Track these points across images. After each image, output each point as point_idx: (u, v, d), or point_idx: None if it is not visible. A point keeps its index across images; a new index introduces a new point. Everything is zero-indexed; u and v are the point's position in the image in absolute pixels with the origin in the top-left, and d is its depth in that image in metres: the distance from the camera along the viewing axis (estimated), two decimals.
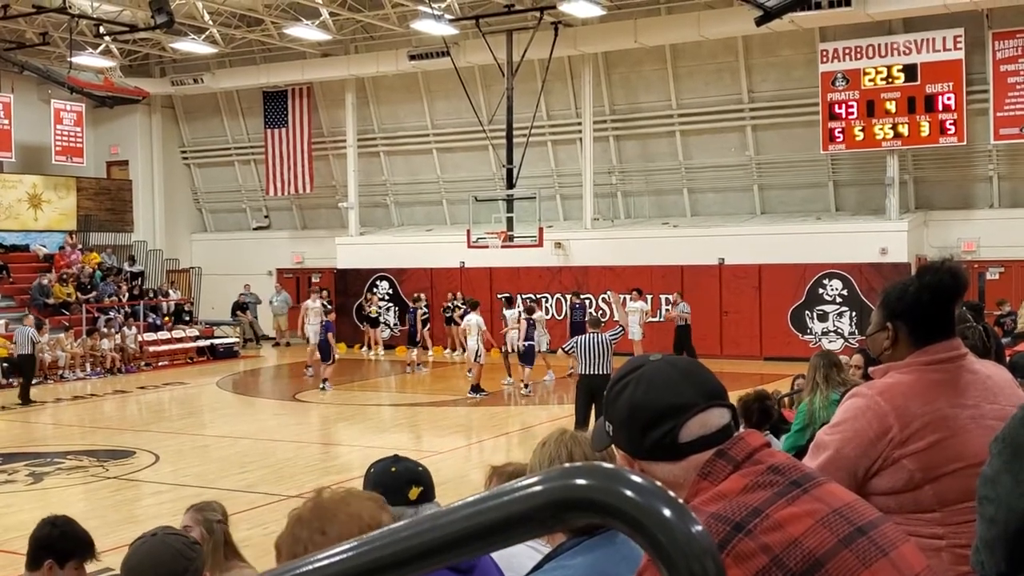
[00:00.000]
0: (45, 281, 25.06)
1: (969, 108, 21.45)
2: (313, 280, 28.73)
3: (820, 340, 21.85)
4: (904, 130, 21.78)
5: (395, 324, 27.02)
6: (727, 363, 20.92)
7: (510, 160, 23.57)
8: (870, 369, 2.91)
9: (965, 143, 21.54)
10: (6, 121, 26.62)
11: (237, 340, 27.54)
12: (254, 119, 29.65)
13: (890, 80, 21.84)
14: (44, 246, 27.37)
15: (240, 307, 28.79)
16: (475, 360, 18.86)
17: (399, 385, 22.31)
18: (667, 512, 1.05)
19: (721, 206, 24.90)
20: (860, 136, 22.18)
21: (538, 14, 21.95)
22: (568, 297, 24.10)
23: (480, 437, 15.76)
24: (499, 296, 23.69)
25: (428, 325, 25.09)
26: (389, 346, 26.41)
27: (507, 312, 21.19)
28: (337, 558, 1.22)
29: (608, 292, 20.24)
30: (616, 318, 16.62)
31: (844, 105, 22.25)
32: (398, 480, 2.98)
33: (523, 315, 19.98)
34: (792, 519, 1.62)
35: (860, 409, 2.68)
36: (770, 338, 22.80)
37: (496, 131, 23.99)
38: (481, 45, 23.01)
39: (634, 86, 25.08)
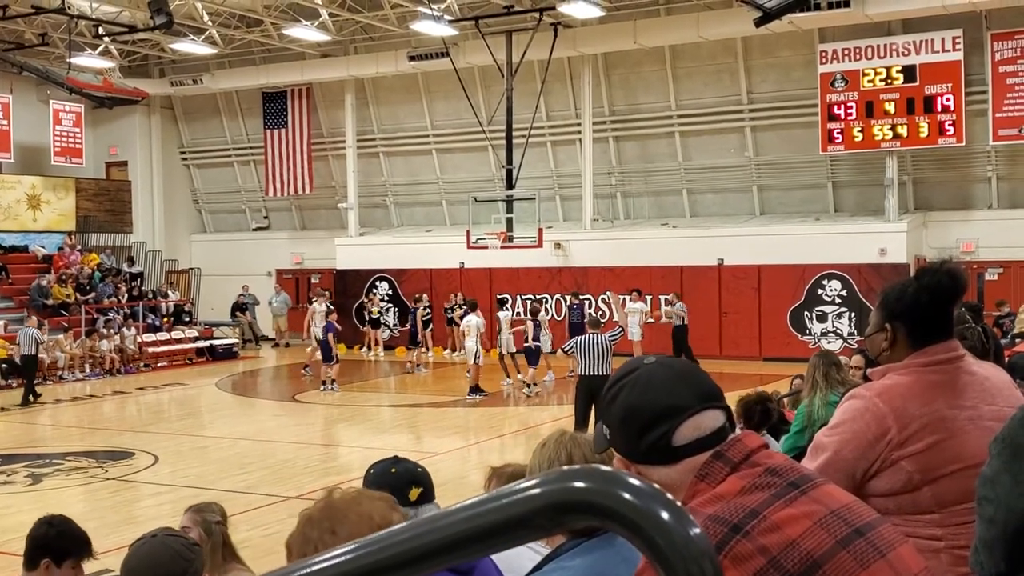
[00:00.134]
0: (44, 282, 25.03)
1: (968, 109, 21.45)
2: (313, 281, 28.74)
3: (819, 341, 21.84)
4: (903, 131, 21.78)
5: (395, 325, 27.02)
6: (726, 364, 20.94)
7: (510, 161, 23.56)
8: (868, 371, 2.92)
9: (964, 144, 21.53)
10: (5, 122, 26.61)
11: (236, 341, 27.54)
12: (253, 120, 29.64)
13: (889, 81, 21.85)
14: (43, 247, 27.34)
15: (239, 308, 28.79)
16: (473, 361, 18.85)
17: (399, 386, 22.31)
18: (665, 515, 1.06)
19: (720, 207, 24.90)
20: (859, 137, 22.18)
21: (537, 15, 21.95)
22: (567, 298, 24.09)
23: (479, 438, 15.76)
24: (497, 297, 23.71)
25: (431, 326, 25.09)
26: (388, 347, 26.38)
27: (501, 314, 21.17)
28: (336, 561, 1.22)
29: (608, 293, 20.24)
30: (616, 319, 16.63)
31: (843, 106, 22.26)
32: (398, 481, 2.98)
33: (528, 316, 19.98)
34: (790, 521, 1.62)
35: (858, 411, 2.69)
36: (769, 339, 22.79)
37: (496, 132, 23.98)
38: (481, 46, 23.01)
39: (633, 87, 25.08)
